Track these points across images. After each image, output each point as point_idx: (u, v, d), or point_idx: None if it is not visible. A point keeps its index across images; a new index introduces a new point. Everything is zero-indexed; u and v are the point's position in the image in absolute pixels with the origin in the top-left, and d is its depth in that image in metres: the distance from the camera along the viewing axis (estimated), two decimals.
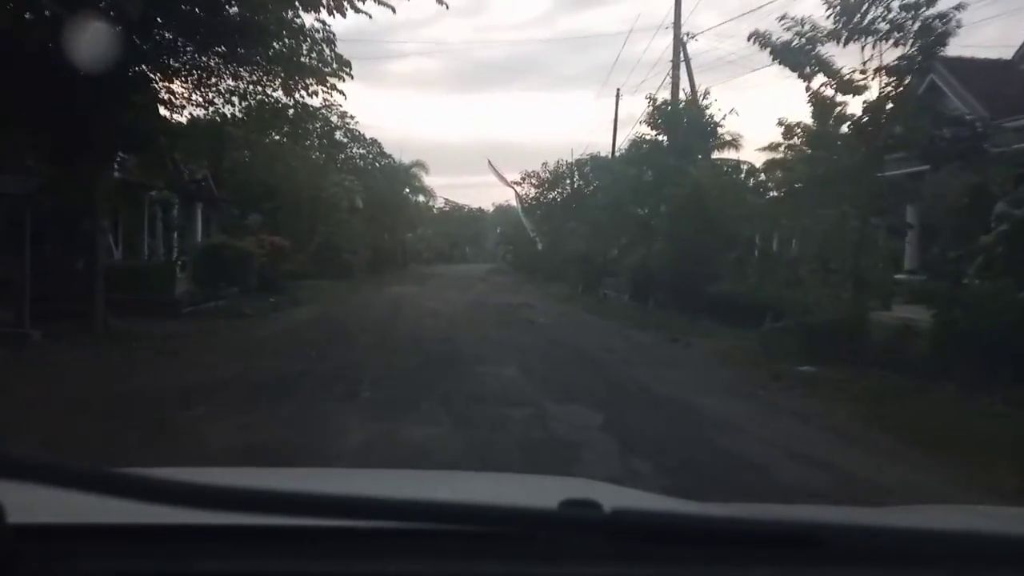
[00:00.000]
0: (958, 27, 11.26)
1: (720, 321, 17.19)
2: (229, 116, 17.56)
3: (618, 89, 37.85)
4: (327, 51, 16.59)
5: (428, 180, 59.93)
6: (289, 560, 1.04)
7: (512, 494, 1.72)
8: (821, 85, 12.05)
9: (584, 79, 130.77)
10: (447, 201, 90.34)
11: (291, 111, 18.21)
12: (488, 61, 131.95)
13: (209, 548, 1.05)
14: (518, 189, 45.13)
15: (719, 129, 23.76)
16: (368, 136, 45.15)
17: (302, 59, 16.46)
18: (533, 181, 44.06)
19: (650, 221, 22.29)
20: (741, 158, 24.90)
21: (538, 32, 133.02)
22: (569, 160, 43.85)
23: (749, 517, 1.35)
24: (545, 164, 43.83)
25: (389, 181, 47.85)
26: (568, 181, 43.73)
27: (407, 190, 55.97)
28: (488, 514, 0.99)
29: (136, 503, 0.87)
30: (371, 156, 45.62)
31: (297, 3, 14.93)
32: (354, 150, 45.13)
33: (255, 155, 29.02)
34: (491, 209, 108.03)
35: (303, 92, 17.63)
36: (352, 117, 44.64)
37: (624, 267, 26.00)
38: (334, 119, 44.26)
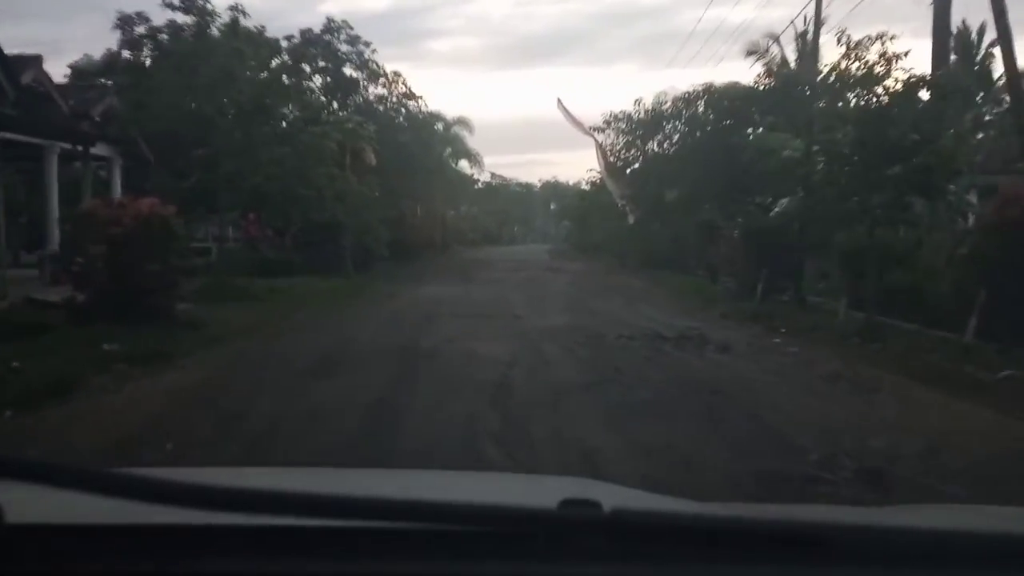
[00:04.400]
0: None
1: None
2: None
3: None
4: None
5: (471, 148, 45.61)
6: (289, 560, 0.99)
7: (512, 494, 1.63)
8: None
9: (629, 52, 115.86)
10: (494, 175, 76.03)
11: None
12: (530, 36, 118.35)
13: (209, 548, 1.00)
14: (599, 138, 31.09)
15: None
16: (390, 70, 31.23)
17: None
18: (622, 126, 29.91)
19: None
20: None
21: (580, 5, 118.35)
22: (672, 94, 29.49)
23: (749, 517, 1.22)
24: (639, 101, 29.56)
25: (422, 136, 33.92)
26: (672, 125, 29.39)
27: (448, 151, 41.97)
28: (488, 514, 0.96)
29: (136, 503, 0.84)
30: (394, 99, 31.75)
31: None
32: (370, 90, 31.30)
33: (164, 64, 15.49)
34: (538, 185, 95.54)
35: None
36: (367, 44, 30.87)
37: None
38: (343, 48, 30.67)
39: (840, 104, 13.24)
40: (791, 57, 31.57)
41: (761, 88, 29.23)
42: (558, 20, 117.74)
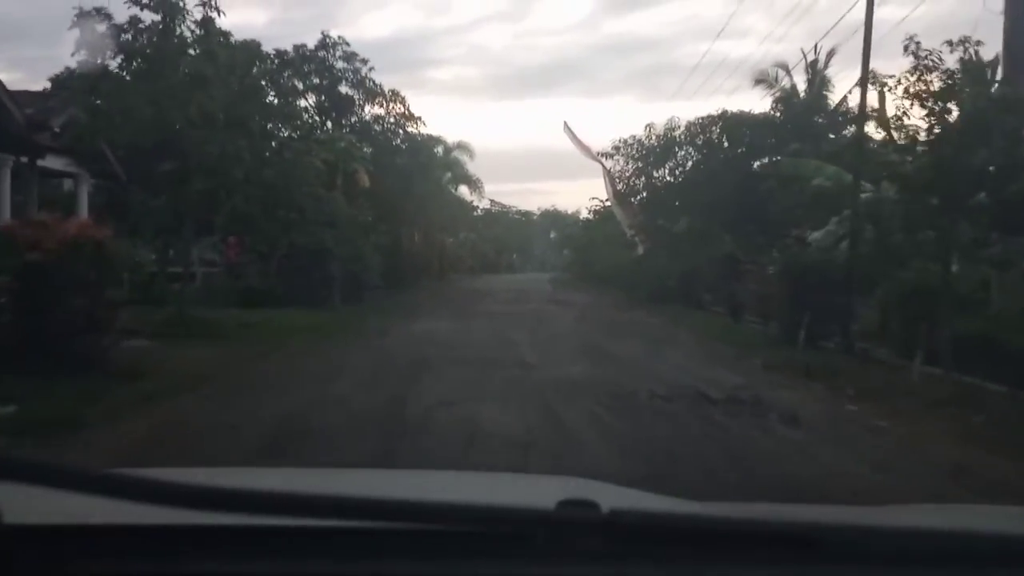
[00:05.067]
0: None
1: None
2: None
3: None
4: None
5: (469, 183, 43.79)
6: (288, 560, 0.98)
7: (511, 494, 1.61)
8: None
9: (627, 83, 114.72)
10: (493, 202, 74.08)
11: None
12: (529, 66, 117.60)
13: (208, 548, 0.99)
14: (607, 164, 29.03)
15: None
16: (388, 89, 29.32)
17: None
18: (632, 152, 27.91)
19: None
20: None
21: (580, 37, 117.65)
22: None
23: (748, 517, 1.22)
24: (650, 126, 27.62)
25: (420, 159, 31.95)
26: (685, 151, 27.52)
27: (448, 175, 40.03)
28: (486, 514, 0.95)
29: (134, 504, 0.83)
30: (392, 120, 29.79)
31: None
32: (367, 110, 29.37)
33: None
34: (536, 213, 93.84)
35: None
36: (364, 61, 29.06)
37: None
38: (339, 64, 28.91)
39: (902, 124, 11.11)
40: (801, 87, 30.26)
41: (778, 115, 27.48)
42: (557, 51, 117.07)
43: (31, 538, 0.95)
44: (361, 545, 0.98)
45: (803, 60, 29.36)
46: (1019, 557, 0.98)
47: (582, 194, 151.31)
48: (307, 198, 15.29)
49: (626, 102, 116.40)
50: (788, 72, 29.04)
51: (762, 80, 29.43)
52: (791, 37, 71.19)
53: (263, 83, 14.78)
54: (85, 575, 0.98)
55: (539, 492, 1.56)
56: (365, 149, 27.12)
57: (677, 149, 27.61)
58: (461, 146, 41.43)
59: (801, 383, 10.11)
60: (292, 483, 1.32)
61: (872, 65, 13.56)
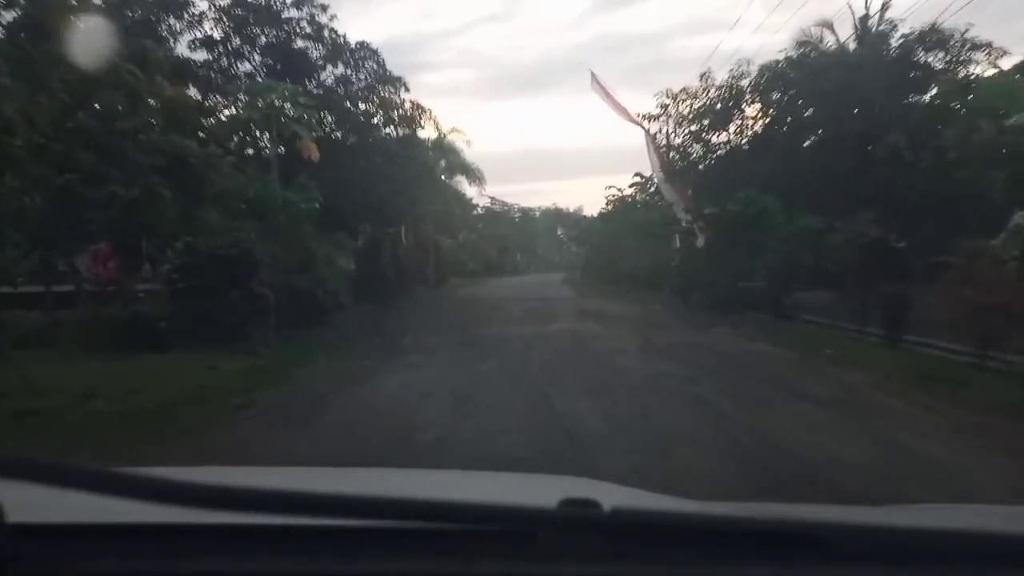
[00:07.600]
0: None
1: None
2: None
3: None
4: None
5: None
6: (289, 560, 0.95)
7: (512, 493, 1.56)
8: None
9: (621, 80, 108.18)
10: (493, 199, 66.76)
11: None
12: (522, 67, 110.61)
13: (209, 548, 0.97)
14: (650, 127, 21.58)
15: None
16: (354, 42, 21.82)
17: None
18: (685, 110, 20.44)
19: None
20: None
21: (571, 36, 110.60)
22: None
23: (749, 516, 1.17)
24: (707, 76, 20.13)
25: (404, 137, 24.45)
26: (752, 109, 20.06)
27: (442, 163, 32.51)
28: (488, 513, 0.93)
29: (136, 503, 0.81)
30: (363, 81, 22.23)
31: None
32: (328, 71, 21.90)
33: None
34: (538, 212, 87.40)
35: None
36: (324, 8, 21.64)
37: None
38: (291, 13, 21.58)
39: None
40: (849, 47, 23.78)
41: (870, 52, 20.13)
42: (548, 51, 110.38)
43: (34, 537, 0.91)
44: (362, 544, 0.94)
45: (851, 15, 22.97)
46: (1019, 557, 0.94)
47: (581, 192, 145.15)
48: (151, 153, 7.78)
49: (624, 98, 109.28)
50: (833, 30, 22.84)
51: (805, 41, 23.43)
52: (787, 27, 63.95)
53: None
54: (87, 574, 0.94)
55: (541, 491, 1.48)
56: (327, 118, 19.73)
57: (744, 105, 20.19)
58: (456, 131, 33.96)
59: None
60: (293, 482, 1.27)
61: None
